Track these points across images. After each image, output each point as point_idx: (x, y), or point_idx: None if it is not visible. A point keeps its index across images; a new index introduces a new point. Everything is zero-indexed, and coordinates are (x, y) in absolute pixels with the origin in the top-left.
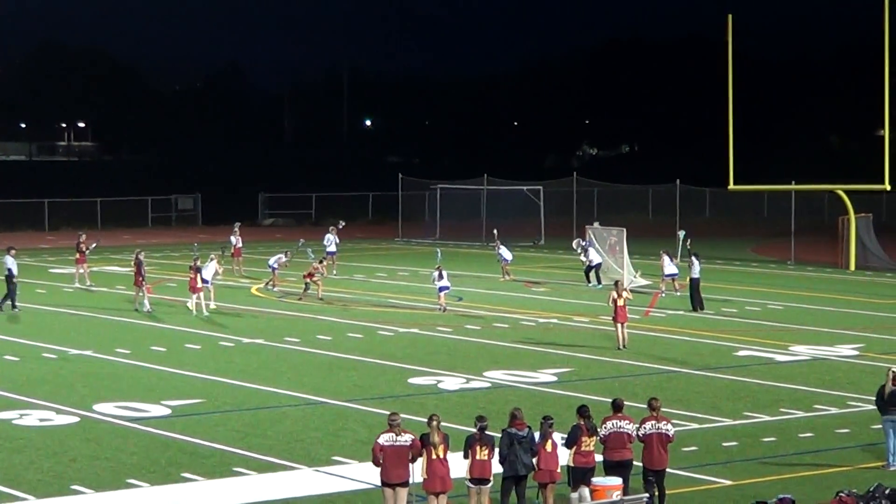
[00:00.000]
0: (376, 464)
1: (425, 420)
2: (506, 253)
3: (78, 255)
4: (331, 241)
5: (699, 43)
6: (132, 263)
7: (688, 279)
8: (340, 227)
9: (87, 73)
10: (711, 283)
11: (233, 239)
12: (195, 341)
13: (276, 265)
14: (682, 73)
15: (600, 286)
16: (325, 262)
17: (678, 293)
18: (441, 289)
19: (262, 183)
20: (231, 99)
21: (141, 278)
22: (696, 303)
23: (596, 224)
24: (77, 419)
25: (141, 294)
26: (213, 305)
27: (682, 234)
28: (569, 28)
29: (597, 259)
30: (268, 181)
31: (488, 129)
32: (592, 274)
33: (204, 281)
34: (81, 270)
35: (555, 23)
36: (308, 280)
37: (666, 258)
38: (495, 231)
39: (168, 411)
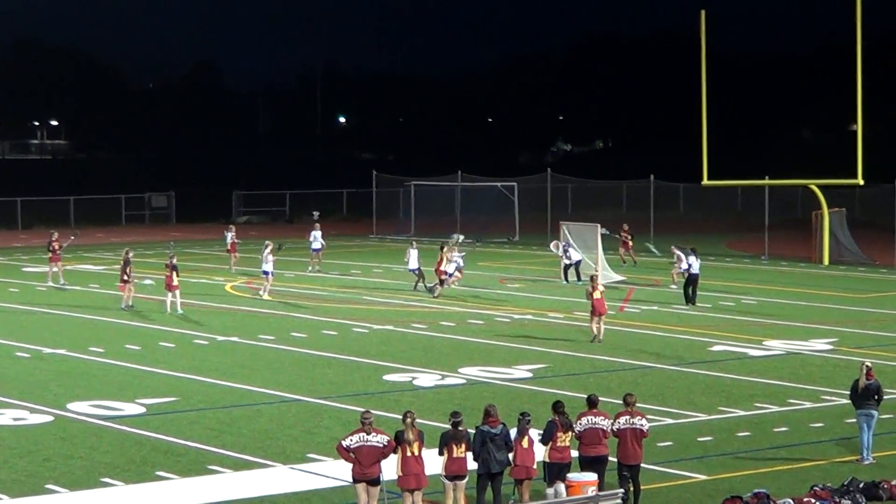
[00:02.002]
0: (348, 461)
1: (400, 417)
2: (450, 267)
3: (51, 255)
4: (316, 237)
5: (673, 39)
6: (121, 262)
7: (686, 274)
8: (315, 217)
9: (61, 70)
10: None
11: (228, 236)
12: (169, 339)
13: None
14: (656, 69)
15: (580, 282)
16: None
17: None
18: (412, 270)
19: (236, 180)
20: (205, 97)
21: (126, 277)
22: (691, 297)
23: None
24: (51, 418)
25: (126, 292)
26: (266, 297)
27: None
28: (542, 24)
29: (577, 256)
30: (242, 179)
31: (462, 125)
32: (571, 271)
33: (266, 273)
34: (55, 269)
35: (528, 19)
36: (441, 276)
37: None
38: (455, 236)
39: (142, 410)
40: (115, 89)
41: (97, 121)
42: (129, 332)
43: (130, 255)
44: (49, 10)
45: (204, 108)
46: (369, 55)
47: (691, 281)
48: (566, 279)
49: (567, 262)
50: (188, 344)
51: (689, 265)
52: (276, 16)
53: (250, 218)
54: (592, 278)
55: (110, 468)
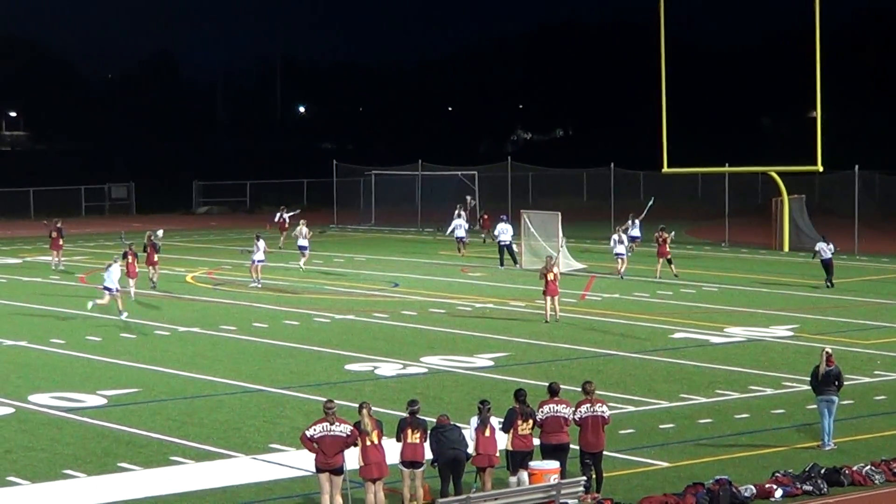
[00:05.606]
0: (312, 451)
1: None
2: (459, 231)
3: (60, 241)
4: (303, 233)
5: (632, 27)
6: (145, 245)
7: (819, 260)
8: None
9: (18, 62)
10: (647, 265)
11: (278, 214)
12: (130, 330)
13: (465, 235)
14: (616, 56)
15: (502, 268)
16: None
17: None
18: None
19: (196, 171)
20: (164, 87)
21: (154, 258)
22: (827, 279)
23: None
24: (12, 410)
25: (153, 271)
26: (258, 284)
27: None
28: (502, 13)
29: (506, 239)
30: (202, 169)
31: (422, 114)
32: (507, 255)
33: (258, 261)
34: (56, 257)
35: (488, 8)
36: (668, 258)
37: (630, 223)
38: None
39: (104, 401)
40: (74, 80)
41: (56, 112)
42: (90, 324)
43: (154, 237)
44: (5, 1)
45: (162, 99)
46: (328, 44)
47: (825, 266)
48: (515, 262)
49: (503, 242)
50: (149, 335)
51: (819, 250)
52: (233, 5)
53: (211, 208)
54: (549, 260)
55: (72, 460)
